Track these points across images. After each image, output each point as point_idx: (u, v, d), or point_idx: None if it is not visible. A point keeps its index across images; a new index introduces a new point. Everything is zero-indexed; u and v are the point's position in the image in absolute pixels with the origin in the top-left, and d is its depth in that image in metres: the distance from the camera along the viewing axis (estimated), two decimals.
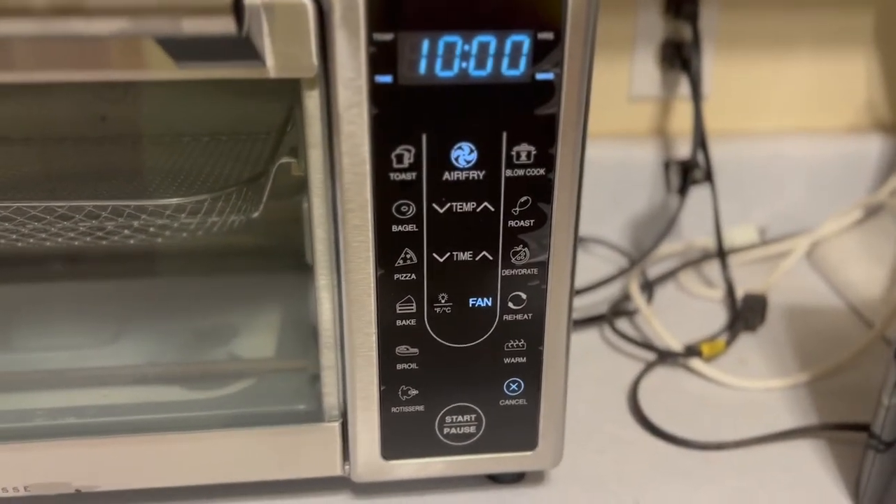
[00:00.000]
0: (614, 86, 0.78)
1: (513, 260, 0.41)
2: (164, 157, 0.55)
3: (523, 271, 0.41)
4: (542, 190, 0.39)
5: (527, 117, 0.37)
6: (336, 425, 0.45)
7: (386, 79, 0.36)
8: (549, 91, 0.37)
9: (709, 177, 0.72)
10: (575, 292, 0.46)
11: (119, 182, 0.51)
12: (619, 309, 0.69)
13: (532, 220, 0.40)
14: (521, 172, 0.39)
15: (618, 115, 0.79)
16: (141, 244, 0.65)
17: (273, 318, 0.58)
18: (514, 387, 0.44)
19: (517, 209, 0.40)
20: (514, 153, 0.38)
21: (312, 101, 0.38)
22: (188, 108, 0.58)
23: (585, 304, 0.70)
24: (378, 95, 0.37)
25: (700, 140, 0.72)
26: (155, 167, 0.54)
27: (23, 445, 0.44)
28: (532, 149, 0.38)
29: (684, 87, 0.78)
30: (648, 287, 0.72)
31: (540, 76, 0.37)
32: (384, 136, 0.37)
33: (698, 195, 0.77)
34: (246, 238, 0.65)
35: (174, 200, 0.44)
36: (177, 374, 0.52)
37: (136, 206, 0.44)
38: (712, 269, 0.76)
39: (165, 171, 0.52)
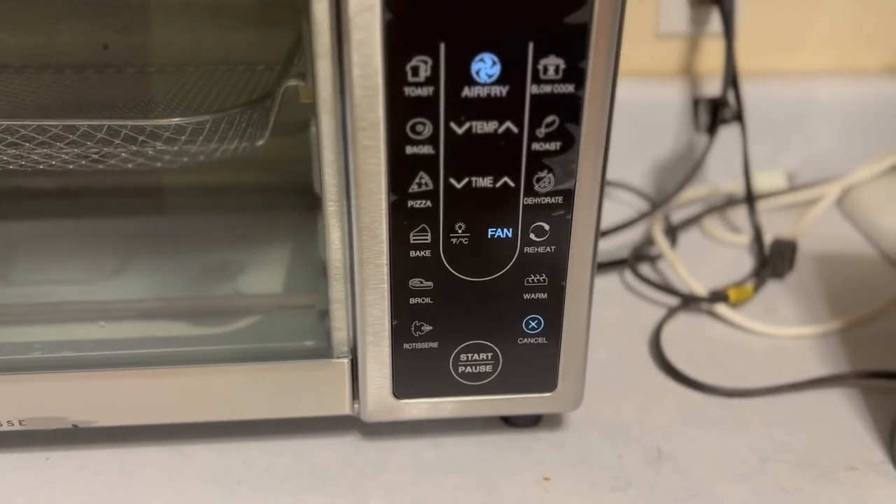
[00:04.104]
0: (640, 22, 0.74)
1: (536, 187, 0.38)
2: (168, 88, 0.52)
3: (547, 200, 0.39)
4: (570, 109, 0.36)
5: (556, 26, 0.34)
6: (345, 361, 0.43)
7: None
8: None
9: (739, 116, 0.68)
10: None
11: (120, 111, 0.48)
12: (642, 253, 0.66)
13: (558, 143, 0.37)
14: (547, 89, 0.36)
15: (644, 52, 0.75)
16: (145, 177, 0.63)
17: (281, 256, 0.56)
18: (533, 324, 0.42)
19: (542, 130, 0.37)
20: (540, 67, 0.35)
21: (321, 6, 0.34)
22: (193, 37, 0.56)
23: (605, 249, 0.67)
24: None
25: (731, 77, 0.68)
26: (158, 97, 0.51)
27: (19, 377, 0.42)
28: (561, 62, 0.35)
29: (714, 23, 0.74)
30: (671, 232, 0.69)
31: None
32: (398, 46, 0.34)
33: (723, 138, 0.74)
34: (253, 176, 0.64)
35: (174, 120, 0.41)
36: (180, 308, 0.50)
37: (133, 127, 0.41)
38: (737, 215, 0.73)
39: (168, 100, 0.49)
